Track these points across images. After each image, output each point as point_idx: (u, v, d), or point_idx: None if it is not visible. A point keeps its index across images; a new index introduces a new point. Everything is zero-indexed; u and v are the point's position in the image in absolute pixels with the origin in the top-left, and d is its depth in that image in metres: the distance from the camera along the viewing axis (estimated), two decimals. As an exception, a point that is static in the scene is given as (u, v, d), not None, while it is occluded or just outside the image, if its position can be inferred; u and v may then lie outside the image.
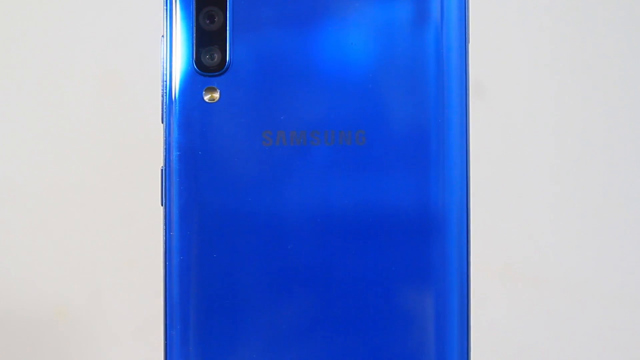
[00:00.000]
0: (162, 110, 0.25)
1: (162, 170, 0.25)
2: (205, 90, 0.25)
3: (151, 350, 0.47)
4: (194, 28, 0.25)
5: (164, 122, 0.25)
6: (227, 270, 0.25)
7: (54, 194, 0.49)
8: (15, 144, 0.49)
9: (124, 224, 0.48)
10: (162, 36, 0.25)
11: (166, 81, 0.25)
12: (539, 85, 0.50)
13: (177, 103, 0.25)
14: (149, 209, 0.45)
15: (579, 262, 0.49)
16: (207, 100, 0.25)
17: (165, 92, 0.25)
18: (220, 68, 0.25)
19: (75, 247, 0.49)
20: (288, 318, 0.25)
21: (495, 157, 0.49)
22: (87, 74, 0.49)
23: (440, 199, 0.25)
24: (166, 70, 0.25)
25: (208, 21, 0.25)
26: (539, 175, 0.49)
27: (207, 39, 0.25)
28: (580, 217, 0.49)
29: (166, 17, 0.25)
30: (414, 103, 0.25)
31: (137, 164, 0.47)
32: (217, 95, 0.25)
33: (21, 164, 0.49)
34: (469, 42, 0.25)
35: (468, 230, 0.25)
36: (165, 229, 0.25)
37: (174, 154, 0.25)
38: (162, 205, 0.25)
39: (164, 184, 0.25)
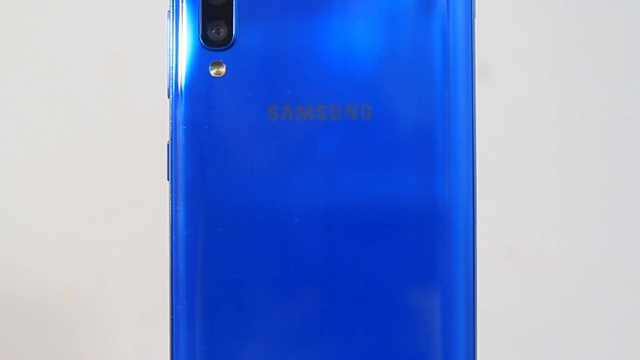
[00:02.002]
0: (169, 85, 0.25)
1: (168, 144, 0.25)
2: (212, 65, 0.25)
3: (157, 334, 0.47)
4: (200, 2, 0.25)
5: (170, 97, 0.25)
6: (233, 244, 0.25)
7: (60, 176, 0.49)
8: (21, 127, 0.49)
9: (130, 207, 0.48)
10: (169, 11, 0.25)
11: (172, 56, 0.25)
12: (545, 68, 0.49)
13: (184, 78, 0.25)
14: (155, 191, 0.45)
15: (586, 245, 0.49)
16: (213, 75, 0.25)
17: (172, 67, 0.25)
18: (226, 43, 0.25)
19: (81, 229, 0.49)
20: (293, 290, 0.25)
21: (500, 140, 0.49)
22: (93, 56, 0.49)
23: (447, 176, 0.25)
24: (172, 45, 0.25)
25: (214, -5, 0.25)
26: (545, 159, 0.49)
27: (213, 13, 0.25)
28: (586, 200, 0.49)
29: (172, -9, 0.25)
30: (420, 79, 0.25)
31: (142, 147, 0.47)
32: (223, 69, 0.25)
33: (26, 146, 0.49)
34: (474, 17, 0.25)
35: (474, 208, 0.25)
36: (172, 204, 0.25)
37: (180, 128, 0.25)
38: (168, 180, 0.25)
39: (170, 158, 0.25)
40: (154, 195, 0.46)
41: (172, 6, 0.25)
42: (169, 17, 0.25)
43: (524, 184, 0.49)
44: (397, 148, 0.24)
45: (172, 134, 0.25)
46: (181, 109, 0.25)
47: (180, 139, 0.25)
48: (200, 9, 0.25)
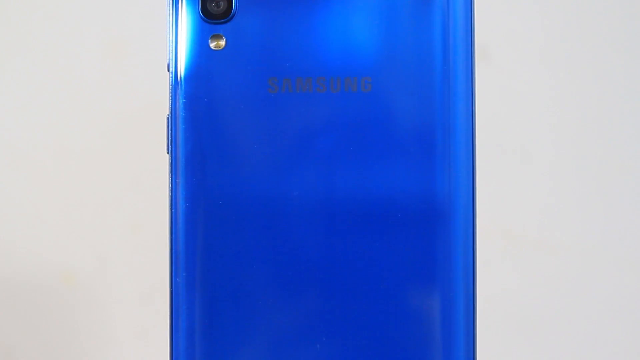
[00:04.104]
0: (168, 58, 0.25)
1: (167, 118, 0.25)
2: (211, 38, 0.25)
3: (157, 316, 0.47)
4: (200, -24, 0.25)
5: (170, 70, 0.25)
6: (233, 217, 0.25)
7: (60, 159, 0.49)
8: (20, 110, 0.49)
9: (130, 190, 0.48)
10: (169, -16, 0.25)
11: (172, 29, 0.25)
12: (544, 50, 0.49)
13: (183, 51, 0.25)
14: (155, 174, 0.45)
15: (586, 228, 0.49)
16: (213, 48, 0.25)
17: (171, 41, 0.25)
18: (226, 15, 0.25)
19: (81, 211, 0.49)
20: (292, 263, 0.25)
21: (497, 122, 0.49)
22: (92, 34, 0.49)
23: (446, 144, 0.25)
24: (172, 19, 0.25)
25: (214, -32, 0.25)
26: (543, 140, 0.49)
27: (213, -14, 0.25)
28: (586, 183, 0.49)
29: (172, -35, 0.25)
30: (419, 53, 0.25)
31: (142, 129, 0.47)
32: (223, 42, 0.25)
33: (27, 127, 0.49)
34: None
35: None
36: (171, 177, 0.25)
37: (180, 101, 0.25)
38: (167, 153, 0.25)
39: (169, 131, 0.25)
40: (154, 178, 0.46)
41: (172, -21, 0.25)
42: (169, -10, 0.25)
43: (523, 167, 0.49)
44: (396, 120, 0.24)
45: (171, 107, 0.25)
46: (181, 82, 0.25)
47: (180, 112, 0.25)
48: (200, -17, 0.25)
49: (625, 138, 0.49)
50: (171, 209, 0.25)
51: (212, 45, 0.25)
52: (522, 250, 0.49)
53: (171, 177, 0.25)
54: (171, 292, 0.25)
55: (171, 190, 0.25)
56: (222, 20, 0.25)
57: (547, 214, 0.49)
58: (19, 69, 0.50)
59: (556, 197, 0.49)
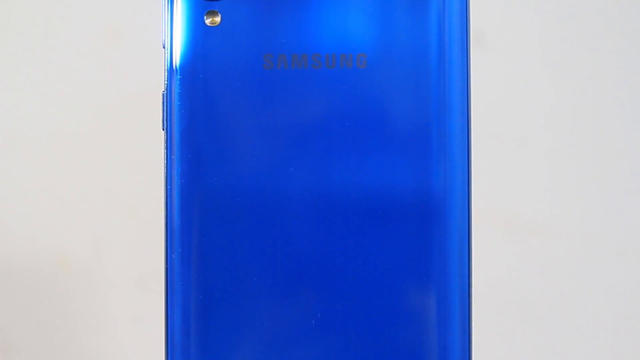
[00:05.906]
0: (163, 35, 0.25)
1: (163, 94, 0.25)
2: (207, 14, 0.25)
3: (154, 300, 0.47)
4: (196, -48, 0.25)
5: (166, 47, 0.25)
6: (228, 192, 0.25)
7: (55, 142, 0.49)
8: (17, 93, 0.49)
9: (126, 173, 0.48)
10: (163, -40, 0.25)
11: (167, 5, 0.25)
12: (540, 33, 0.49)
13: (179, 27, 0.25)
14: (151, 157, 0.45)
15: (583, 212, 0.49)
16: (208, 24, 0.25)
17: (167, 17, 0.25)
18: (221, -8, 0.25)
19: (77, 196, 0.49)
20: (287, 238, 0.25)
21: (495, 107, 0.49)
22: (87, 19, 0.49)
23: (442, 118, 0.25)
24: (167, -5, 0.25)
25: (209, -56, 0.25)
26: (540, 125, 0.49)
27: (208, -38, 0.25)
28: (583, 167, 0.49)
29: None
30: (415, 32, 0.25)
31: (138, 114, 0.47)
32: (218, 19, 0.25)
33: (22, 111, 0.49)
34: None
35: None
36: (166, 153, 0.25)
37: (175, 77, 0.25)
38: (163, 129, 0.25)
39: (165, 107, 0.25)
40: (150, 161, 0.46)
41: (167, -45, 0.25)
42: (164, -34, 0.25)
43: (520, 151, 0.49)
44: (390, 96, 0.25)
45: (167, 83, 0.25)
46: (176, 59, 0.25)
47: (176, 88, 0.25)
48: (195, -42, 0.25)
49: (623, 123, 0.49)
50: (166, 186, 0.25)
51: (208, 21, 0.25)
52: (520, 236, 0.49)
53: (166, 153, 0.25)
54: (166, 269, 0.25)
55: (166, 167, 0.25)
56: (218, -3, 0.25)
57: (545, 200, 0.49)
58: (12, 52, 0.49)
59: (554, 182, 0.49)
